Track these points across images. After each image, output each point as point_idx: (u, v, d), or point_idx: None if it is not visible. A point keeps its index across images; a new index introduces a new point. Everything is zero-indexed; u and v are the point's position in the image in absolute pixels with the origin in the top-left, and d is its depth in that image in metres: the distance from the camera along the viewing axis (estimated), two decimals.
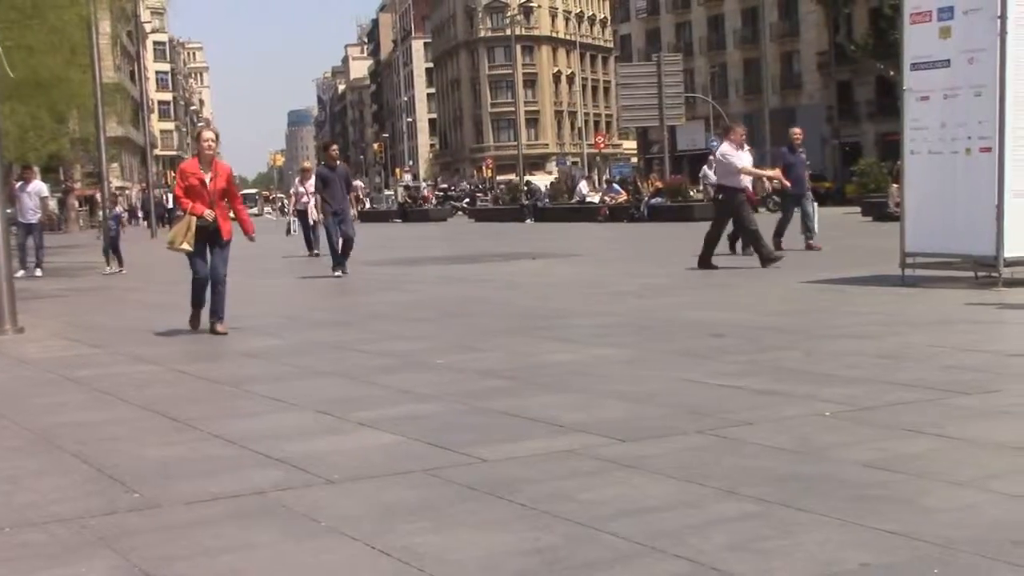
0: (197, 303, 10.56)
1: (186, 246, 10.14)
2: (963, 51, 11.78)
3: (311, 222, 23.22)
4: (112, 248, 21.94)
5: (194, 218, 10.11)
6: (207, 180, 10.27)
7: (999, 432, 5.31)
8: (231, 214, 10.76)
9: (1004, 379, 6.70)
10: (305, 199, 23.75)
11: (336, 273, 17.05)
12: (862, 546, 3.71)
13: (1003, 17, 11.27)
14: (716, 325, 9.63)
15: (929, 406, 5.95)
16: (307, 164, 25.71)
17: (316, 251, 23.10)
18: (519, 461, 5.09)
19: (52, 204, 29.15)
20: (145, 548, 4.03)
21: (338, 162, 18.48)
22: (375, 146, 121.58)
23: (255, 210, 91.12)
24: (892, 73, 38.39)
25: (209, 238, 10.31)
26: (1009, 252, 11.58)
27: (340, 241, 17.27)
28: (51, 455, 5.68)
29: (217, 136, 10.98)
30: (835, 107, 66.58)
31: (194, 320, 10.64)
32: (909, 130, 12.53)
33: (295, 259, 23.14)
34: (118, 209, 25.66)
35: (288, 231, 29.66)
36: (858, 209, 31.60)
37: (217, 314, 10.39)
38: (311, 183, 23.02)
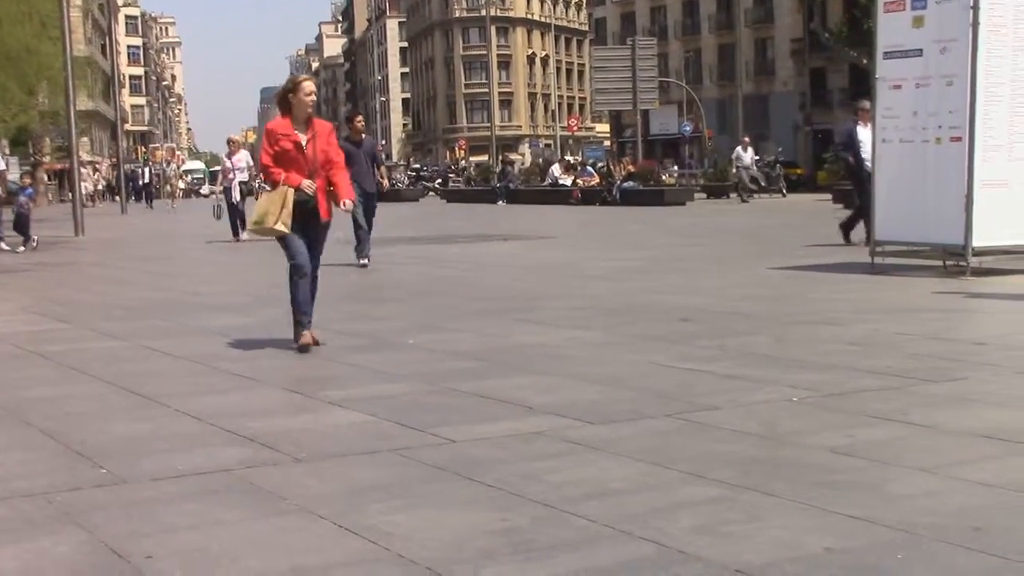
0: (303, 305, 7.98)
1: (281, 227, 7.81)
2: (935, 40, 11.84)
3: (236, 202, 21.79)
4: (20, 225, 21.46)
5: (290, 191, 7.81)
6: (304, 143, 7.95)
7: (964, 419, 5.35)
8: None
9: (970, 367, 6.76)
10: (232, 176, 22.13)
11: (362, 261, 15.14)
12: (827, 531, 3.74)
13: (975, 7, 11.33)
14: (685, 309, 9.67)
15: (895, 393, 5.99)
16: (235, 136, 23.66)
17: (243, 235, 21.11)
18: (488, 442, 5.10)
19: (13, 177, 28.78)
20: (111, 524, 4.01)
21: (364, 135, 15.78)
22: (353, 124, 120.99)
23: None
24: (865, 61, 38.54)
25: (305, 218, 7.94)
26: (977, 241, 11.67)
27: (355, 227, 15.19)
28: (18, 430, 5.65)
29: (316, 87, 8.62)
30: (808, 94, 66.72)
31: (302, 336, 7.98)
32: (881, 118, 12.59)
33: (218, 244, 21.27)
34: (29, 187, 24.22)
35: (216, 214, 25.19)
36: (829, 196, 31.70)
37: (306, 315, 8.03)
38: (239, 157, 22.15)
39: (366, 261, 15.19)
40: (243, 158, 22.33)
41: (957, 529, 3.72)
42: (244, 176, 22.02)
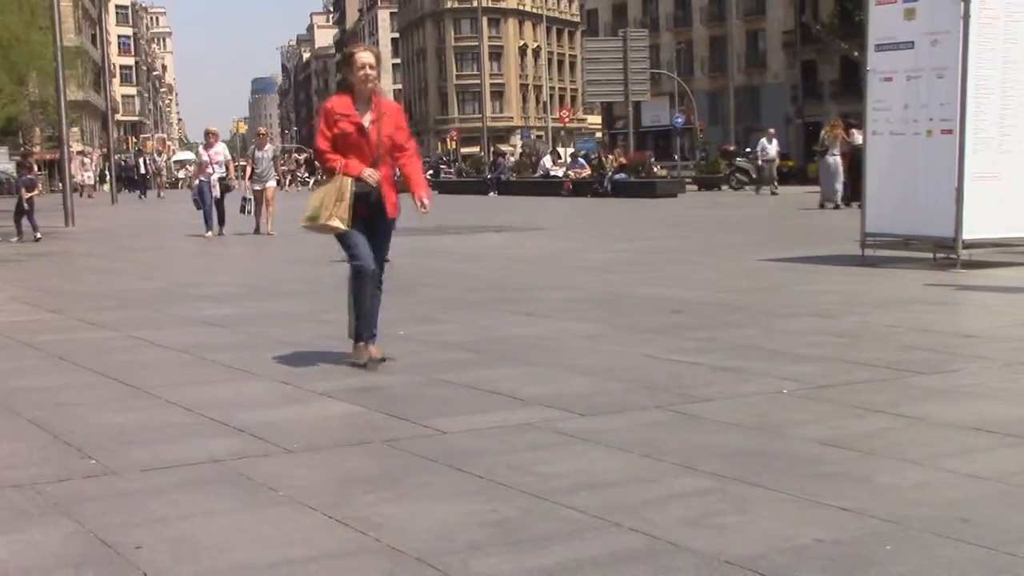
0: (364, 309, 6.95)
1: (337, 223, 6.64)
2: (927, 33, 11.85)
3: (216, 196, 20.83)
4: (18, 216, 21.23)
5: (349, 181, 6.64)
6: (367, 125, 6.76)
7: (953, 411, 5.37)
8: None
9: (959, 359, 6.77)
10: (210, 169, 20.98)
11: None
12: (816, 522, 3.75)
13: (966, 0, 11.34)
14: (676, 301, 9.67)
15: (885, 385, 6.01)
16: (211, 128, 22.13)
17: (222, 229, 20.82)
18: (478, 433, 5.10)
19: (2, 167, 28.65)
20: (101, 515, 4.01)
21: None
22: None
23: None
24: (856, 54, 38.54)
25: (368, 213, 6.77)
26: (968, 234, 11.70)
27: None
28: (7, 420, 5.63)
29: (378, 59, 6.99)
30: (799, 86, 66.75)
31: (365, 351, 6.95)
32: (872, 111, 12.61)
33: (192, 242, 20.12)
34: (27, 175, 22.99)
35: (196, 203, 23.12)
36: (819, 188, 31.71)
37: (369, 327, 6.99)
38: (217, 151, 21.22)
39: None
40: (221, 151, 21.36)
41: (946, 520, 3.73)
42: (222, 171, 21.08)
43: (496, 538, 3.67)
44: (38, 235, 20.78)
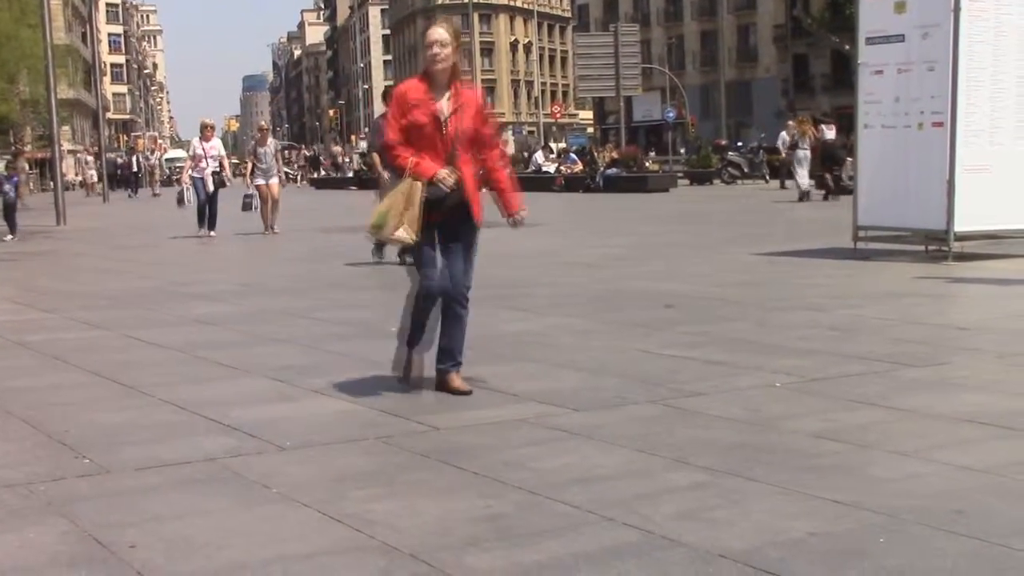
0: (418, 334, 6.09)
1: (403, 234, 5.68)
2: (917, 26, 11.88)
3: (209, 193, 19.84)
4: (6, 213, 20.99)
5: (419, 185, 5.62)
6: (443, 116, 5.71)
7: (945, 404, 5.38)
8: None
9: (951, 352, 6.79)
10: (203, 164, 19.94)
11: (410, 260, 13.46)
12: (809, 515, 3.76)
13: None
14: (669, 296, 9.68)
15: (877, 378, 6.02)
16: (207, 121, 20.96)
17: (211, 231, 19.75)
18: (472, 429, 5.11)
19: None
20: (95, 514, 4.00)
21: None
22: (331, 113, 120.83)
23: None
24: (847, 47, 38.57)
25: (444, 220, 5.78)
26: (959, 226, 11.73)
27: None
28: (0, 420, 5.62)
29: (455, 34, 5.84)
30: (791, 80, 66.86)
31: (409, 364, 6.13)
32: (863, 104, 12.63)
33: (185, 239, 19.37)
34: (14, 176, 22.35)
35: (180, 200, 22.36)
36: (812, 182, 31.74)
37: (452, 355, 5.99)
38: (212, 144, 20.24)
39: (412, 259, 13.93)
40: (216, 146, 20.47)
41: (939, 512, 3.74)
42: (216, 166, 20.11)
43: (490, 533, 3.67)
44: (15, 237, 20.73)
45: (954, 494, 3.96)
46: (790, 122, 29.39)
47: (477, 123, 5.83)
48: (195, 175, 20.17)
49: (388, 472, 4.45)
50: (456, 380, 5.93)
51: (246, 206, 20.36)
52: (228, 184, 20.88)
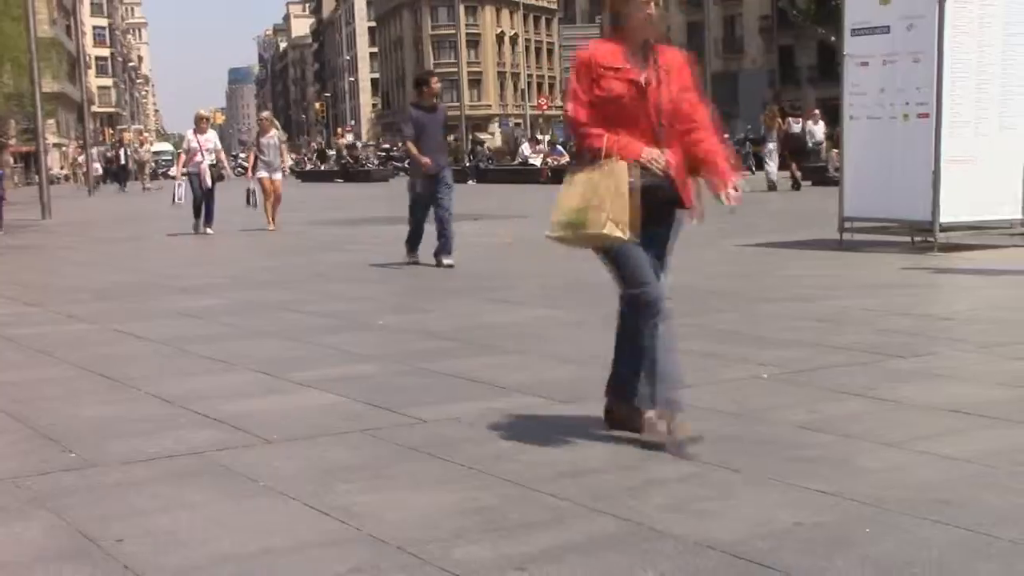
0: (649, 358, 4.79)
1: (615, 230, 4.50)
2: (902, 17, 11.89)
3: (206, 189, 18.68)
4: None
5: (624, 167, 4.43)
6: (646, 83, 4.56)
7: (930, 394, 5.40)
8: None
9: (937, 342, 6.81)
10: (199, 158, 18.84)
11: (446, 261, 12.21)
12: (796, 506, 3.77)
13: None
14: None
15: (864, 369, 6.04)
16: (203, 112, 19.91)
17: (209, 228, 18.74)
18: (459, 422, 5.11)
19: None
20: (81, 508, 4.00)
21: (438, 102, 12.81)
22: (317, 105, 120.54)
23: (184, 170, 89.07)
24: (833, 38, 38.58)
25: (652, 213, 4.58)
26: (945, 217, 11.77)
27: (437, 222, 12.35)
28: None
29: None
30: (777, 72, 66.93)
31: (626, 409, 4.77)
32: (848, 95, 12.65)
33: (181, 237, 18.28)
34: (2, 168, 22.08)
35: (174, 199, 20.03)
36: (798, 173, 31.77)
37: (667, 398, 4.64)
38: (207, 137, 19.10)
39: (451, 261, 12.20)
40: (212, 139, 19.38)
41: (924, 502, 3.75)
42: (212, 159, 19.15)
43: (478, 526, 3.68)
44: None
45: (938, 484, 3.97)
46: (761, 116, 30.41)
47: (682, 91, 4.67)
48: (190, 170, 18.92)
49: (375, 465, 4.45)
50: (684, 425, 4.57)
51: (248, 201, 19.67)
52: (227, 178, 19.91)
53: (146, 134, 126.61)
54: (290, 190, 23.80)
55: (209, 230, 18.71)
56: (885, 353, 6.43)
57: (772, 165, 27.78)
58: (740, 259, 12.18)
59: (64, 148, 59.04)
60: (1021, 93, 12.03)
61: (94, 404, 5.77)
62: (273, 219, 19.02)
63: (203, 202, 18.75)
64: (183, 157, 19.50)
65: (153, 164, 67.10)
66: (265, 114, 21.36)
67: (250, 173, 19.74)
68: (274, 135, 19.52)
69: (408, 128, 12.30)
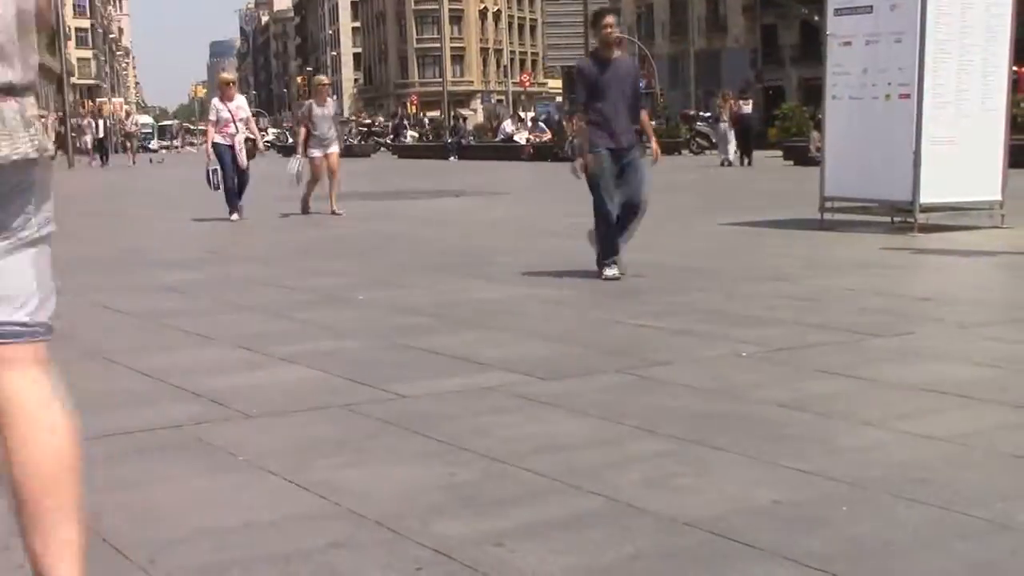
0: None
1: None
2: None
3: (243, 165, 15.58)
4: None
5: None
6: None
7: (909, 373, 5.43)
8: None
9: (916, 322, 6.85)
10: (231, 128, 15.47)
11: (610, 273, 8.84)
12: (774, 484, 3.79)
13: None
14: (637, 265, 9.68)
15: (843, 348, 6.06)
16: (227, 75, 16.70)
17: (236, 214, 15.56)
18: (438, 397, 5.11)
19: None
20: None
21: (617, 50, 9.30)
22: (299, 80, 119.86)
23: (177, 142, 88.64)
24: (816, 18, 38.58)
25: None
26: (925, 198, 11.81)
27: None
28: None
29: None
30: (759, 51, 66.87)
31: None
32: (831, 75, 12.66)
33: (215, 224, 15.26)
34: None
35: (210, 182, 15.75)
36: (780, 153, 31.87)
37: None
38: (239, 104, 15.90)
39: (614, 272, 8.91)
40: (243, 105, 16.22)
41: (902, 481, 3.77)
42: (245, 131, 15.84)
43: (457, 501, 3.68)
44: None
45: (916, 463, 3.99)
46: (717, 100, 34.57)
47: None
48: (223, 142, 15.52)
49: (354, 440, 4.45)
50: None
51: (296, 177, 16.42)
52: (262, 152, 17.50)
53: (127, 107, 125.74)
54: (271, 166, 23.71)
55: (243, 215, 15.70)
56: (864, 332, 6.46)
57: (731, 145, 31.00)
58: (720, 238, 12.20)
59: (43, 119, 58.65)
60: (1003, 75, 12.07)
61: (72, 377, 5.67)
62: (334, 201, 16.18)
63: (232, 181, 15.58)
64: (211, 129, 15.79)
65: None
66: (323, 79, 18.29)
67: (300, 151, 16.64)
68: (331, 105, 16.73)
69: (580, 91, 9.07)
